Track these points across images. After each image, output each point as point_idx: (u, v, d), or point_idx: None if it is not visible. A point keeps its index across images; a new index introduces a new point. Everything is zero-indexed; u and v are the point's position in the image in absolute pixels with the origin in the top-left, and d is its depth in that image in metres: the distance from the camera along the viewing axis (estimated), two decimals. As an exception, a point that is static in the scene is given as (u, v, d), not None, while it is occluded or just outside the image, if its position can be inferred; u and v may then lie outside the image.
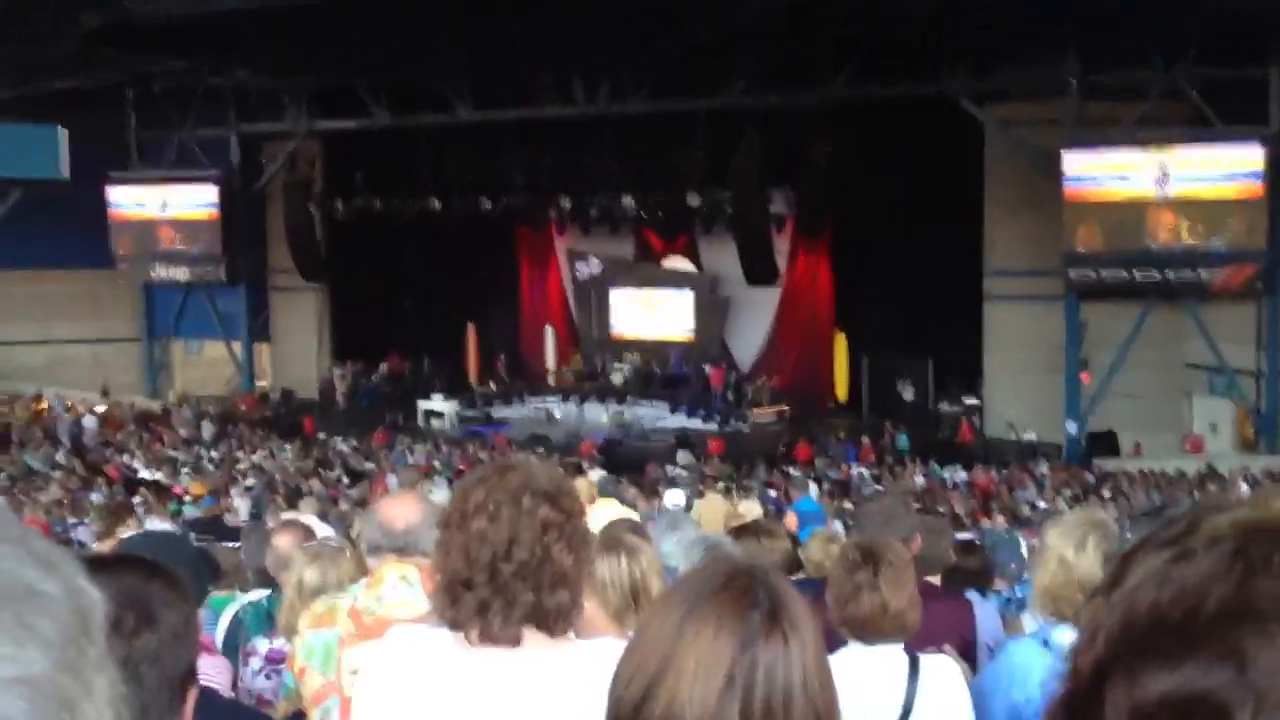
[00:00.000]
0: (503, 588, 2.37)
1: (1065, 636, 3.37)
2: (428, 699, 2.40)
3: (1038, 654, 3.40)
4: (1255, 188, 24.35)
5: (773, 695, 1.43)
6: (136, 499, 15.70)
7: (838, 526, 10.38)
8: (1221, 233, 24.71)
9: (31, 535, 0.79)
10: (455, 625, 2.42)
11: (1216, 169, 24.77)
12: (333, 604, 3.52)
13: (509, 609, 2.37)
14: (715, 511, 11.29)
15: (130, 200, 35.86)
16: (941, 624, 4.06)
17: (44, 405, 31.24)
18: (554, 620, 2.41)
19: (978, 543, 6.92)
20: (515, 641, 2.38)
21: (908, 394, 31.50)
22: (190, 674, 1.89)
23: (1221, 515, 0.79)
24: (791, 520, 10.42)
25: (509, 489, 2.41)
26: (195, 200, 35.28)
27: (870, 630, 3.37)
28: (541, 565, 2.38)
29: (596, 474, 12.92)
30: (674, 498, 10.55)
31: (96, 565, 1.75)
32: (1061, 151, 25.86)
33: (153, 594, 1.81)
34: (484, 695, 2.37)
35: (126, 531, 8.99)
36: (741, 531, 5.72)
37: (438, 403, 33.12)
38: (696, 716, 1.41)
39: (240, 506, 17.16)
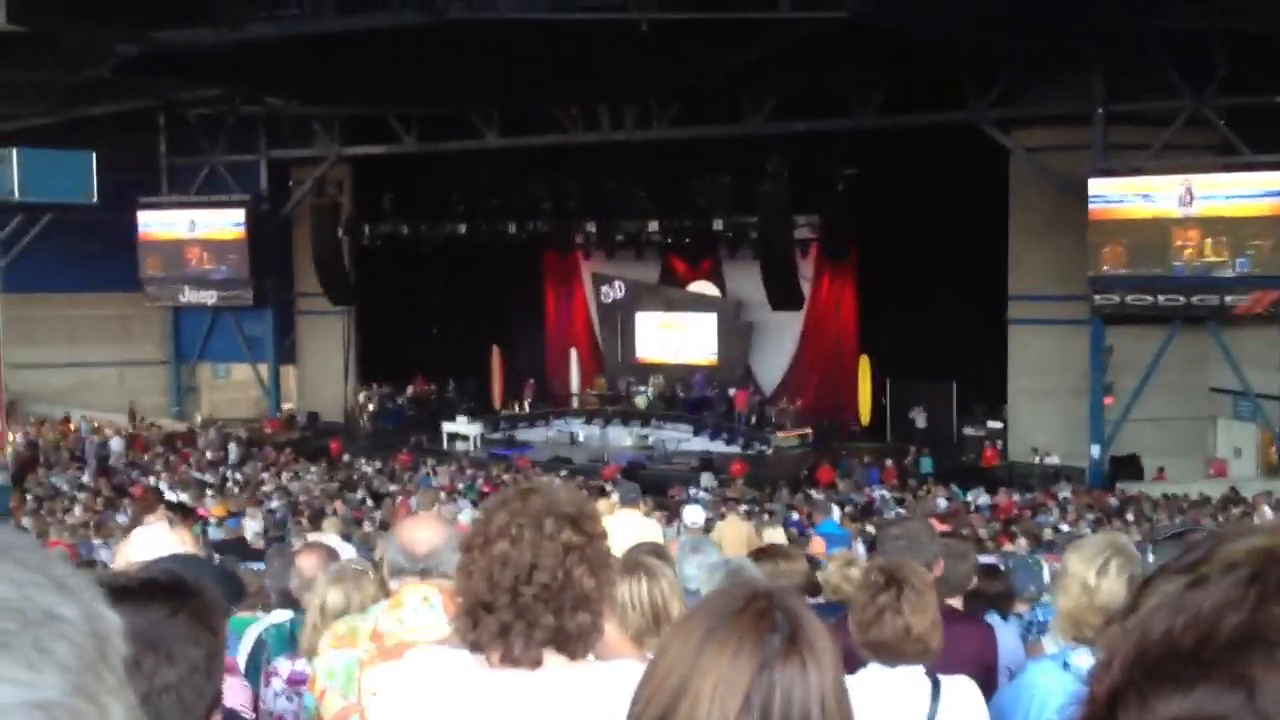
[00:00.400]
0: (524, 610, 2.36)
1: (1085, 659, 3.36)
2: None
3: (1057, 676, 3.39)
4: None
5: (790, 718, 1.44)
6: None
7: (861, 549, 10.34)
8: (1246, 250, 24.61)
9: (51, 560, 0.79)
10: (476, 647, 2.42)
11: (1242, 187, 24.74)
12: (354, 626, 3.52)
13: (530, 631, 2.37)
14: (737, 535, 11.24)
15: (159, 221, 36.16)
16: (963, 648, 4.05)
17: (72, 427, 31.43)
18: (575, 642, 2.41)
19: (1000, 567, 6.88)
20: (536, 663, 2.38)
21: (920, 421, 31.52)
22: (214, 704, 1.89)
23: (1238, 542, 0.80)
24: (818, 544, 10.34)
25: (531, 512, 2.41)
26: (223, 220, 35.58)
27: (893, 653, 3.37)
28: (563, 588, 2.38)
29: (616, 496, 12.88)
30: (692, 514, 10.48)
31: (122, 594, 1.74)
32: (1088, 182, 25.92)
33: (175, 632, 1.78)
34: (503, 717, 2.38)
35: (154, 520, 9.10)
36: (760, 554, 5.71)
37: (462, 425, 33.18)
38: None
39: (251, 527, 17.21)
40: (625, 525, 8.86)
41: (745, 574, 4.59)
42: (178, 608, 1.81)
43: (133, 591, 1.81)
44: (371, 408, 35.94)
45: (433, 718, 2.43)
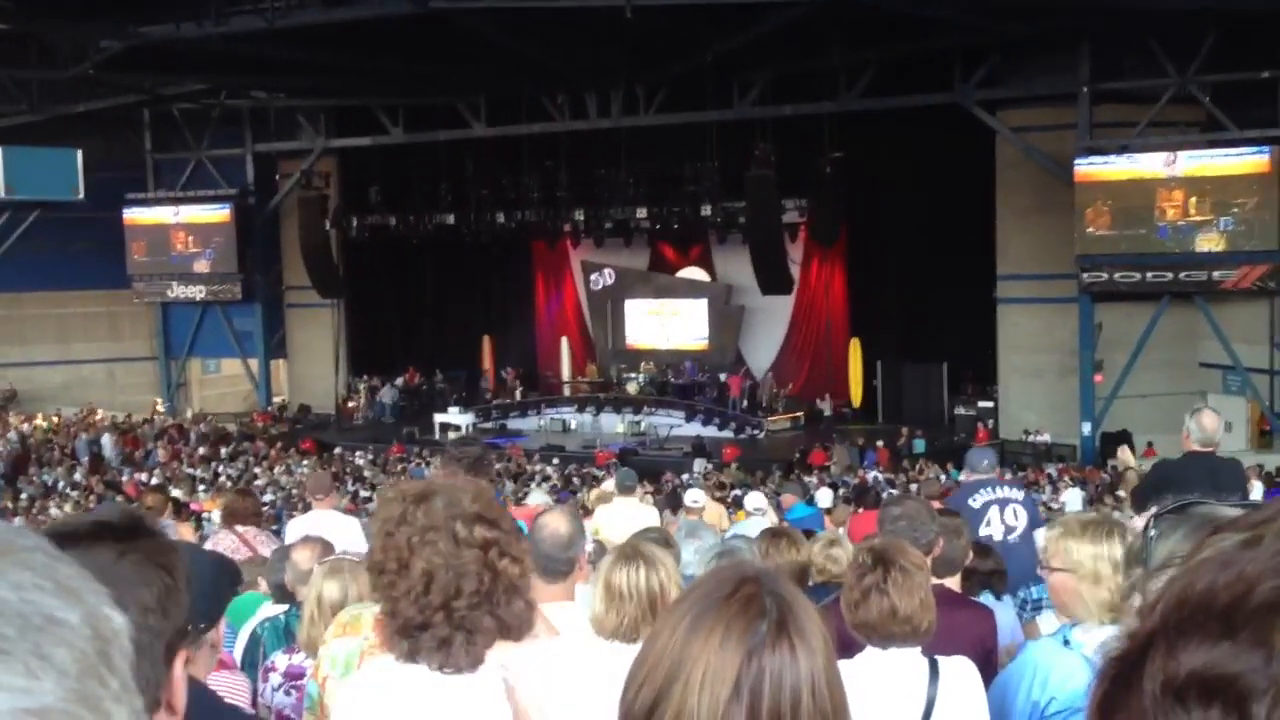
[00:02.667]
0: (461, 622, 2.32)
1: (1084, 635, 3.36)
2: None
3: (1058, 653, 3.39)
4: (1262, 163, 24.31)
5: (780, 703, 1.43)
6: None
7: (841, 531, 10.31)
8: (1230, 209, 24.65)
9: (56, 561, 0.78)
10: (412, 659, 2.37)
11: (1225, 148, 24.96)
12: (357, 614, 3.53)
13: (472, 637, 2.32)
14: (711, 517, 11.23)
15: (145, 211, 36.20)
16: (963, 632, 4.06)
17: (56, 420, 31.38)
18: (516, 630, 2.37)
19: (989, 545, 6.91)
20: (477, 664, 2.33)
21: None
22: (179, 636, 1.83)
23: None
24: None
25: (437, 521, 2.35)
26: (210, 207, 35.59)
27: (880, 634, 3.37)
28: (494, 587, 2.34)
29: (610, 483, 12.85)
30: (694, 495, 10.48)
31: (69, 538, 1.67)
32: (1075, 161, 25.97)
33: (121, 574, 1.74)
34: (456, 714, 2.34)
35: (166, 520, 9.14)
36: (768, 536, 5.71)
37: (454, 415, 33.13)
38: None
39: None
40: (622, 512, 8.88)
41: (736, 555, 4.59)
42: (126, 549, 1.74)
43: (80, 534, 1.76)
44: (378, 398, 35.88)
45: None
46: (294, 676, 4.41)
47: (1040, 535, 3.83)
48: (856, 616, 3.39)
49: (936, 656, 3.39)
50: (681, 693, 1.44)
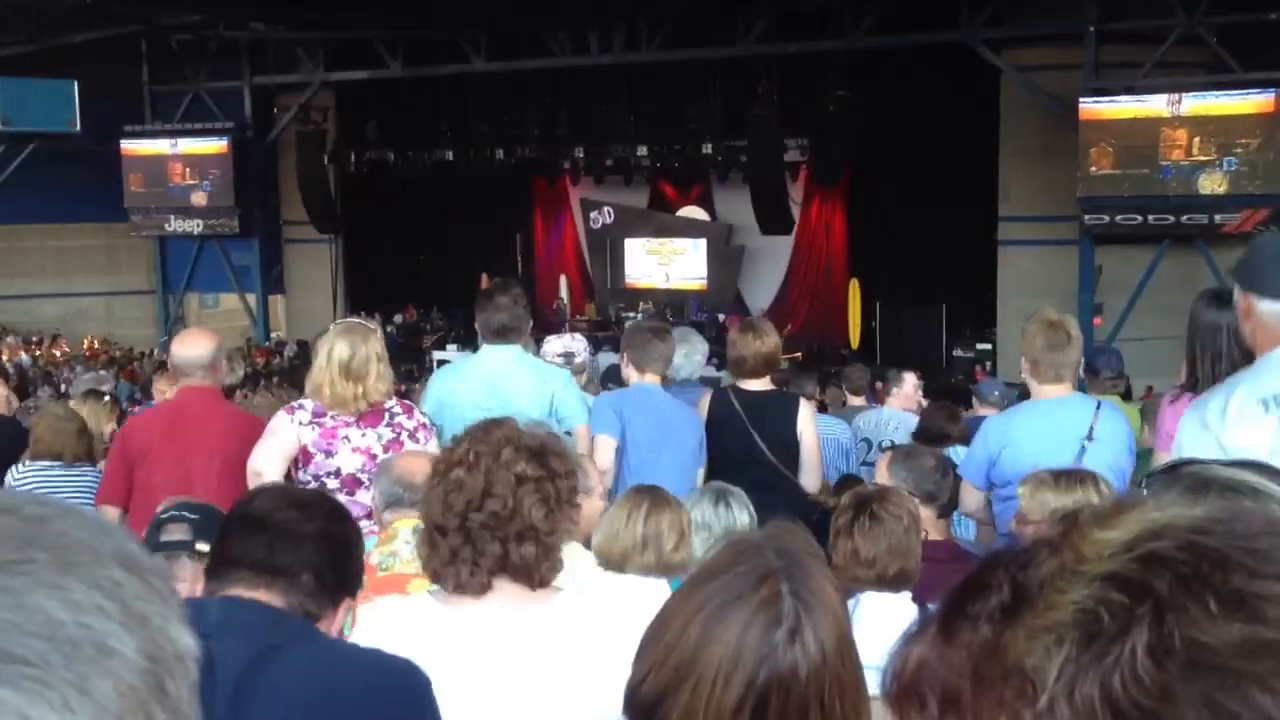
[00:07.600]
0: (471, 536, 2.39)
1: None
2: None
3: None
4: (1267, 103, 24.18)
5: (790, 702, 1.43)
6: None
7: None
8: (1234, 149, 24.58)
9: (132, 574, 0.73)
10: (435, 575, 2.45)
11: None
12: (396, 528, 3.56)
13: (477, 558, 2.39)
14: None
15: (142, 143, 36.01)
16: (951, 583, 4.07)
17: (58, 354, 31.43)
18: (523, 573, 2.41)
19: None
20: (482, 590, 2.39)
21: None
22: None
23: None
24: None
25: (491, 442, 2.47)
26: (207, 139, 35.38)
27: (844, 577, 3.42)
28: (511, 518, 2.38)
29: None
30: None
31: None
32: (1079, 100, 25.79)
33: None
34: (459, 649, 2.38)
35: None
36: (738, 328, 6.06)
37: (451, 354, 33.10)
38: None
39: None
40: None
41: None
42: None
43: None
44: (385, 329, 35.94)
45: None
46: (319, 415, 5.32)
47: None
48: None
49: (929, 605, 3.40)
50: (693, 687, 1.44)
